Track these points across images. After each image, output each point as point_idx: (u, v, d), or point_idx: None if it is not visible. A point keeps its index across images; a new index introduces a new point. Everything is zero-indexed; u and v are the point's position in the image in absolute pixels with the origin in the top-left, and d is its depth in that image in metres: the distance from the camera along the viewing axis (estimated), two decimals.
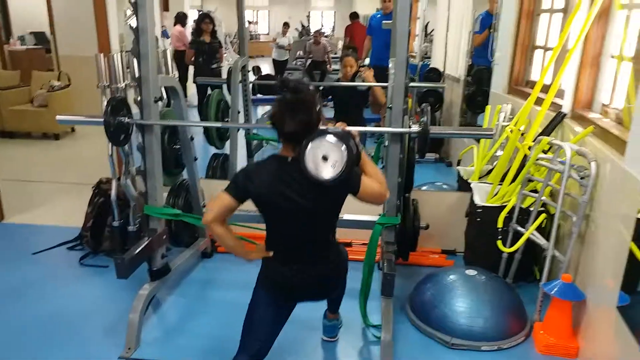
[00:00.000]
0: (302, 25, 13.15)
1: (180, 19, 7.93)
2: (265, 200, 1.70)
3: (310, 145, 1.55)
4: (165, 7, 9.23)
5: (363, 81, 3.86)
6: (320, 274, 1.81)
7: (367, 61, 6.24)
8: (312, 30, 10.92)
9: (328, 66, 8.39)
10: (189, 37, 7.67)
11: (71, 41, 7.34)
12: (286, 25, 9.99)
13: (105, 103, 2.96)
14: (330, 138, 1.55)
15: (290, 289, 1.81)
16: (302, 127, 1.59)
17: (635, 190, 1.85)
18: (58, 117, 2.61)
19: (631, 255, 1.87)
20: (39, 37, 10.13)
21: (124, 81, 2.96)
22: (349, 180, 1.63)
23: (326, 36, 14.56)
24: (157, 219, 2.55)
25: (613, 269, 1.98)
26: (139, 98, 2.43)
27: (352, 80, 3.94)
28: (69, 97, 6.28)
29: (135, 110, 2.53)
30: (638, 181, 1.82)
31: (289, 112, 1.59)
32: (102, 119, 2.33)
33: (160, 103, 2.50)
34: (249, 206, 1.76)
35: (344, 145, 1.55)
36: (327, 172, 1.55)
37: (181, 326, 2.51)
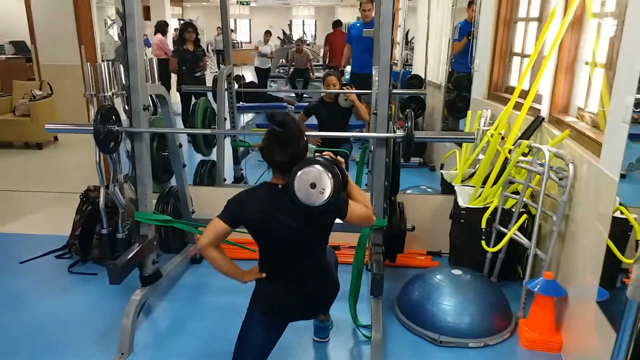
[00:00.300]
0: (284, 34, 13.25)
1: (161, 27, 7.94)
2: (258, 226, 1.78)
3: (299, 173, 1.65)
4: (146, 16, 9.24)
5: (346, 101, 3.94)
6: (312, 292, 1.90)
7: (348, 68, 6.32)
8: (294, 38, 11.02)
9: (310, 74, 8.47)
10: (170, 46, 7.69)
11: (52, 50, 7.30)
12: (268, 33, 10.06)
13: (93, 111, 2.99)
14: (317, 167, 1.65)
15: (283, 309, 1.89)
16: (290, 157, 1.69)
17: (610, 189, 1.94)
18: (47, 126, 2.62)
19: (608, 252, 1.96)
20: (18, 46, 10.03)
21: (110, 90, 2.99)
22: (336, 206, 1.73)
23: (308, 44, 14.66)
24: (147, 225, 2.57)
25: (592, 266, 2.07)
26: (126, 107, 2.47)
27: (336, 99, 4.01)
28: (52, 106, 6.25)
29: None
30: (613, 180, 1.92)
31: (278, 144, 1.69)
32: (91, 127, 2.35)
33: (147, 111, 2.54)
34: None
35: (330, 173, 1.65)
36: (316, 198, 1.64)
37: (173, 330, 2.53)
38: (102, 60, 4.55)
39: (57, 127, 2.71)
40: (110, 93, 2.90)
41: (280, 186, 1.74)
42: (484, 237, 2.79)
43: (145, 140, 2.49)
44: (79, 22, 7.14)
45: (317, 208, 1.65)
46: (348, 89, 3.99)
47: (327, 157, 1.75)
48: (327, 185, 1.64)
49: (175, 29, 10.59)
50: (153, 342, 2.44)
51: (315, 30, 17.62)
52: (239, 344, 1.91)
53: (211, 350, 2.33)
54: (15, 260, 3.22)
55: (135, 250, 2.41)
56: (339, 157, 1.79)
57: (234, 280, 1.90)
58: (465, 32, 4.24)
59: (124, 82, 2.67)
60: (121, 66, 2.83)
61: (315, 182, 1.63)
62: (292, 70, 8.51)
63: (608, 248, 1.96)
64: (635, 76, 1.72)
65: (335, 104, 3.99)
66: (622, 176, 2.87)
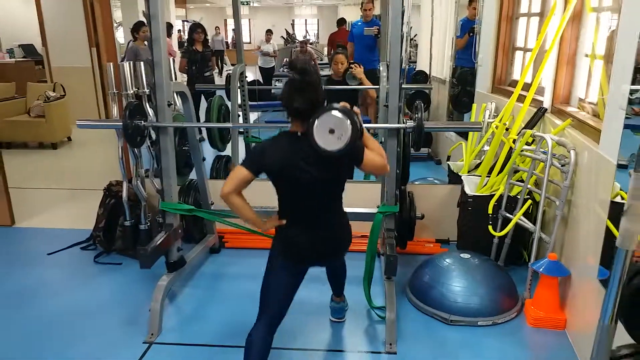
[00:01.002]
0: (287, 33, 13.36)
1: (166, 29, 8.08)
2: (279, 172, 1.86)
3: (317, 120, 1.73)
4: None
5: (354, 77, 4.07)
6: (328, 237, 1.97)
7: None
8: (297, 37, 11.11)
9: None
10: (175, 47, 7.82)
11: (63, 53, 7.49)
12: (269, 32, 10.13)
13: (115, 109, 3.15)
14: (336, 113, 1.73)
15: (301, 253, 1.96)
16: (309, 104, 1.77)
17: (609, 172, 2.08)
18: (78, 122, 2.77)
19: (608, 233, 2.09)
20: (27, 49, 10.21)
21: (132, 88, 3.14)
22: (353, 152, 1.81)
23: (311, 43, 14.77)
24: (172, 215, 2.72)
25: (593, 246, 2.20)
26: (149, 103, 2.62)
27: (343, 76, 4.14)
28: (65, 107, 6.41)
29: None
30: (611, 164, 2.05)
31: (297, 91, 1.77)
32: (120, 123, 2.50)
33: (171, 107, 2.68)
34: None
35: (349, 120, 1.73)
36: (334, 143, 1.73)
37: (196, 314, 2.68)
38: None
39: (87, 124, 2.85)
40: (132, 91, 3.05)
41: (299, 133, 1.81)
42: (490, 223, 2.93)
43: (169, 135, 2.63)
44: (90, 25, 7.34)
45: (335, 153, 1.73)
46: (355, 66, 4.12)
47: (344, 106, 1.81)
48: (345, 131, 1.71)
49: (179, 30, 10.74)
50: (179, 324, 2.59)
51: (318, 30, 17.73)
52: (264, 289, 1.97)
53: (231, 332, 2.47)
54: (42, 252, 3.37)
55: (162, 238, 2.55)
56: (355, 108, 1.84)
57: (255, 226, 1.98)
58: (467, 29, 4.37)
59: (145, 80, 2.83)
60: (142, 65, 2.99)
61: (334, 128, 1.71)
62: None
63: (608, 229, 2.09)
64: (630, 66, 1.85)
65: (343, 83, 4.12)
66: (624, 166, 3.02)
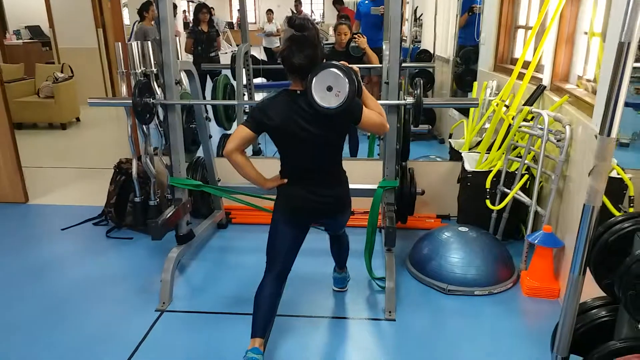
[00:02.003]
0: (292, 12, 13.30)
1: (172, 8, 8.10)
2: (279, 130, 1.90)
3: (316, 77, 1.77)
4: None
5: (358, 47, 4.10)
6: (330, 194, 2.02)
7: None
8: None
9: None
10: (179, 27, 7.85)
11: (70, 34, 7.57)
12: (270, 12, 10.04)
13: (124, 88, 3.23)
14: (334, 70, 1.77)
15: (302, 208, 2.03)
16: (308, 60, 1.80)
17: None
18: (89, 100, 2.86)
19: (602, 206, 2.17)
20: (34, 30, 10.27)
21: (140, 67, 3.22)
22: (351, 109, 1.85)
23: (317, 23, 14.68)
24: (181, 190, 2.83)
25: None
26: (156, 82, 2.70)
27: (347, 47, 4.18)
28: (73, 87, 6.50)
29: None
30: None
31: (296, 47, 1.80)
32: (130, 101, 2.59)
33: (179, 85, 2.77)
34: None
35: (347, 77, 1.76)
36: (332, 100, 1.77)
37: (205, 284, 2.80)
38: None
39: (98, 102, 2.94)
40: (140, 70, 3.13)
41: (298, 92, 1.85)
42: (488, 197, 3.02)
43: (177, 112, 2.72)
44: (96, 7, 7.39)
45: (333, 110, 1.77)
46: (359, 36, 4.15)
47: (343, 64, 1.84)
48: (343, 88, 1.75)
49: (184, 11, 10.72)
50: (188, 294, 2.71)
51: (324, 9, 17.63)
52: (269, 245, 2.06)
53: (238, 300, 2.59)
54: (56, 227, 3.50)
55: (172, 212, 2.66)
56: (354, 67, 1.87)
57: (258, 186, 2.04)
58: (466, 7, 4.40)
59: (153, 59, 2.91)
60: (149, 45, 3.07)
61: (331, 85, 1.75)
62: None
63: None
64: (635, 43, 1.91)
65: (346, 53, 4.16)
66: (625, 144, 3.09)
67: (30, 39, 10.16)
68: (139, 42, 3.18)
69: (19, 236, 3.43)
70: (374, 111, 1.96)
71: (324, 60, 1.86)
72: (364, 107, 1.93)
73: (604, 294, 1.52)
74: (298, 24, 1.79)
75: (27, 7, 9.97)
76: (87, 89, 6.80)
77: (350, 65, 1.86)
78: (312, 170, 1.99)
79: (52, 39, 7.83)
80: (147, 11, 5.31)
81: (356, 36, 4.11)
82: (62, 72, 6.59)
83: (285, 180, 2.02)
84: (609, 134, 1.22)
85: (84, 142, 5.99)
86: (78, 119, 6.76)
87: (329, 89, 1.75)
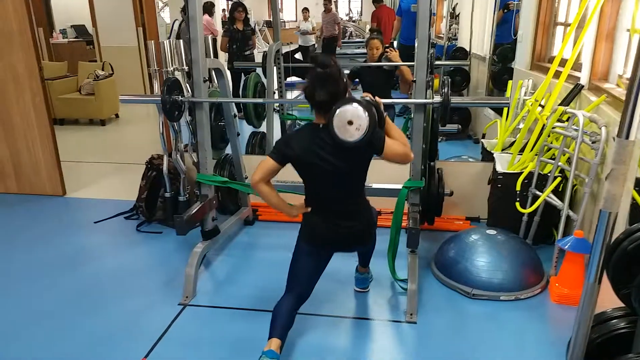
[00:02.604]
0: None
1: (208, 8, 8.21)
2: (303, 162, 1.97)
3: (337, 111, 1.82)
4: None
5: (389, 61, 4.06)
6: (352, 226, 2.07)
7: (395, 43, 6.45)
8: (340, 15, 10.94)
9: (338, 44, 8.20)
10: (217, 26, 7.97)
11: (112, 33, 7.82)
12: (305, 10, 10.03)
13: (157, 85, 3.30)
14: (355, 105, 1.81)
15: (326, 239, 2.09)
16: (330, 96, 1.85)
17: (637, 146, 2.04)
18: (121, 97, 2.94)
19: (633, 211, 2.07)
20: (79, 29, 10.65)
21: (172, 65, 3.28)
22: (372, 141, 1.89)
23: (354, 21, 14.64)
24: (208, 186, 2.86)
25: (619, 224, 2.18)
26: (186, 80, 2.74)
27: (379, 61, 4.15)
28: (113, 85, 6.69)
29: None
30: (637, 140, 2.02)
31: (319, 84, 1.86)
32: (159, 98, 2.64)
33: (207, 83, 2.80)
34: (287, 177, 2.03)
35: (367, 111, 1.81)
36: (352, 134, 1.81)
37: (229, 280, 2.83)
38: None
39: (129, 98, 3.02)
40: (172, 68, 3.19)
41: (321, 125, 1.91)
42: (518, 200, 2.92)
43: (205, 110, 2.76)
44: (137, 6, 7.60)
45: (353, 144, 1.82)
46: (391, 50, 4.10)
47: (367, 98, 1.91)
48: (363, 122, 1.79)
49: (223, 9, 10.87)
50: (212, 289, 2.75)
51: (362, 6, 17.53)
52: (291, 270, 2.12)
53: (262, 297, 2.59)
54: (90, 220, 3.62)
55: (198, 207, 2.70)
56: (377, 98, 1.93)
57: (283, 212, 2.11)
58: (502, 5, 4.29)
59: (185, 57, 2.96)
60: (181, 43, 3.12)
61: (352, 120, 1.79)
62: (322, 41, 8.16)
63: (632, 206, 2.07)
64: None
65: (378, 67, 4.12)
66: None
67: (75, 37, 10.55)
68: (170, 40, 3.25)
69: (54, 227, 3.56)
70: (397, 141, 1.99)
71: (347, 92, 1.90)
72: (387, 137, 1.96)
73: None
74: (321, 61, 1.85)
75: (72, 6, 10.35)
76: (126, 87, 7.01)
77: (372, 98, 1.92)
78: (333, 202, 2.03)
79: (95, 38, 8.09)
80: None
81: (388, 50, 4.07)
82: (102, 69, 6.80)
83: (309, 209, 2.07)
84: (627, 137, 1.15)
85: (121, 138, 6.17)
86: (117, 116, 6.97)
87: (350, 123, 1.80)
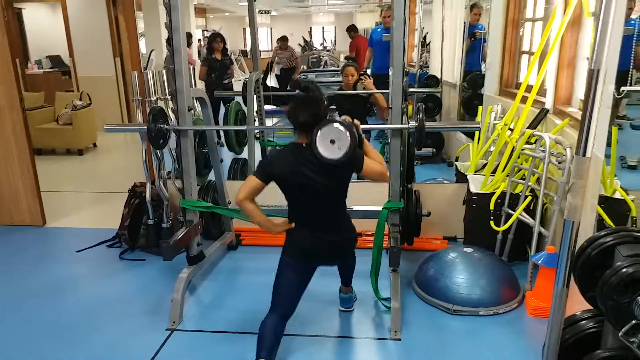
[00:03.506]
0: (305, 41, 13.59)
1: (185, 39, 8.34)
2: (286, 180, 2.07)
3: (320, 132, 1.94)
4: None
5: (364, 89, 4.21)
6: (334, 239, 2.17)
7: (368, 71, 6.65)
8: (314, 44, 11.21)
9: (296, 72, 8.32)
10: (194, 56, 8.08)
11: (89, 63, 7.86)
12: (281, 40, 10.22)
13: (139, 115, 3.38)
14: (336, 125, 1.94)
15: (309, 253, 2.16)
16: (312, 117, 1.98)
17: (598, 165, 2.20)
18: (106, 127, 2.99)
19: (600, 224, 2.22)
20: (54, 60, 10.63)
21: (155, 95, 3.37)
22: (352, 160, 2.01)
23: (328, 50, 14.95)
24: (192, 212, 2.91)
25: (585, 238, 2.32)
26: (171, 108, 2.82)
27: (354, 88, 4.30)
28: (91, 114, 6.71)
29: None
30: (600, 159, 2.18)
31: (302, 106, 1.99)
32: (145, 126, 2.71)
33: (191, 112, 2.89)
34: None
35: (348, 131, 1.93)
36: (335, 153, 1.93)
37: (215, 304, 2.87)
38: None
39: (114, 128, 3.08)
40: (155, 97, 3.28)
41: (304, 144, 2.02)
42: (492, 218, 3.06)
43: (190, 137, 2.83)
44: (114, 37, 7.68)
45: (336, 161, 1.93)
46: (365, 78, 4.25)
47: (345, 119, 2.04)
48: (344, 141, 1.92)
49: (199, 40, 11.02)
50: (198, 313, 2.78)
51: (335, 36, 17.97)
52: (275, 287, 2.18)
53: (248, 320, 2.61)
54: (71, 249, 3.61)
55: (183, 233, 2.74)
56: (355, 121, 2.07)
57: (267, 229, 2.18)
58: (469, 33, 4.52)
59: (168, 87, 3.05)
60: (164, 73, 3.21)
61: (334, 139, 1.92)
62: (277, 69, 8.11)
63: (599, 221, 2.22)
64: (614, 70, 2.00)
65: (355, 94, 4.26)
66: (633, 167, 3.13)
67: (50, 68, 10.52)
68: (153, 70, 3.34)
69: (36, 257, 3.54)
70: (375, 160, 2.12)
71: (327, 114, 2.04)
72: (365, 157, 2.08)
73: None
74: (303, 85, 2.01)
75: (49, 37, 10.35)
76: (104, 116, 7.02)
77: (350, 120, 2.04)
78: (316, 216, 2.13)
79: (72, 68, 8.11)
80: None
81: (362, 77, 4.23)
82: (80, 99, 6.81)
83: (293, 225, 2.15)
84: (584, 154, 1.29)
85: (99, 167, 6.16)
86: (95, 145, 6.96)
87: (332, 142, 1.92)
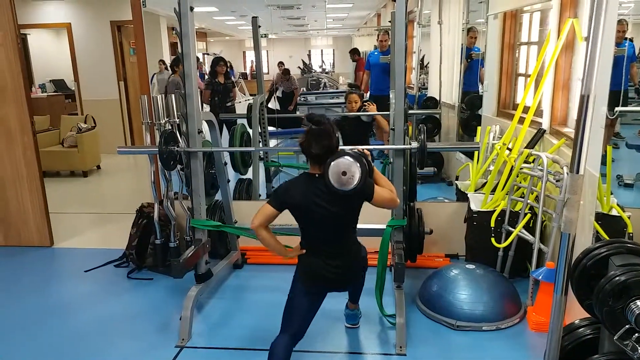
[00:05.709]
0: (304, 63, 13.82)
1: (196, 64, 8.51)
2: (299, 209, 2.15)
3: (332, 163, 2.03)
4: (173, 51, 9.91)
5: (368, 115, 4.35)
6: (345, 265, 2.23)
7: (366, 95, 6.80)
8: (314, 67, 11.42)
9: (294, 98, 8.53)
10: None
11: (93, 87, 8.00)
12: (281, 64, 10.46)
13: (148, 138, 3.47)
14: (348, 157, 2.03)
15: (321, 279, 2.23)
16: (324, 150, 2.07)
17: (592, 182, 2.30)
18: (118, 149, 3.09)
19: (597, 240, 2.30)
20: (58, 84, 10.81)
21: (164, 118, 3.46)
22: (364, 190, 2.09)
23: (327, 72, 15.18)
24: (201, 231, 2.99)
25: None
26: (179, 131, 2.92)
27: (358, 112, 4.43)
28: (96, 137, 6.82)
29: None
30: (594, 176, 2.27)
31: (314, 139, 2.07)
32: (157, 149, 2.80)
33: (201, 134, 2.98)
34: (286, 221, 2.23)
35: (358, 163, 2.02)
36: (346, 184, 2.02)
37: (223, 321, 2.92)
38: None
39: (127, 150, 3.18)
40: (164, 121, 3.37)
41: (316, 175, 2.11)
42: (493, 235, 3.14)
43: (199, 159, 2.93)
44: (118, 61, 7.84)
45: (347, 192, 2.01)
46: (369, 104, 4.39)
47: (356, 150, 2.12)
48: (355, 173, 2.00)
49: (198, 59, 11.21)
50: (207, 330, 2.83)
51: (334, 59, 18.26)
52: (286, 311, 2.23)
53: (256, 337, 2.70)
54: (79, 269, 3.67)
55: (192, 251, 2.82)
56: (365, 150, 2.17)
57: (280, 254, 2.27)
58: (465, 56, 4.67)
59: (177, 111, 3.15)
60: (172, 97, 3.32)
61: (345, 171, 2.00)
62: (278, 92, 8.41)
63: (597, 238, 2.30)
64: (605, 93, 2.11)
65: (357, 119, 4.40)
66: (630, 185, 3.23)
67: (54, 91, 10.68)
68: (163, 94, 3.45)
69: (44, 278, 3.60)
70: (385, 188, 2.20)
71: (339, 145, 2.12)
72: (375, 185, 2.17)
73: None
74: (315, 119, 2.07)
75: (52, 62, 10.55)
76: (108, 139, 7.15)
77: (360, 150, 2.14)
78: (328, 244, 2.19)
79: (77, 92, 8.25)
80: (177, 65, 5.71)
81: (366, 104, 4.38)
82: (85, 122, 6.93)
83: (304, 251, 2.23)
84: (577, 172, 1.38)
85: (104, 189, 6.25)
86: (99, 167, 7.05)
87: (344, 173, 2.01)
